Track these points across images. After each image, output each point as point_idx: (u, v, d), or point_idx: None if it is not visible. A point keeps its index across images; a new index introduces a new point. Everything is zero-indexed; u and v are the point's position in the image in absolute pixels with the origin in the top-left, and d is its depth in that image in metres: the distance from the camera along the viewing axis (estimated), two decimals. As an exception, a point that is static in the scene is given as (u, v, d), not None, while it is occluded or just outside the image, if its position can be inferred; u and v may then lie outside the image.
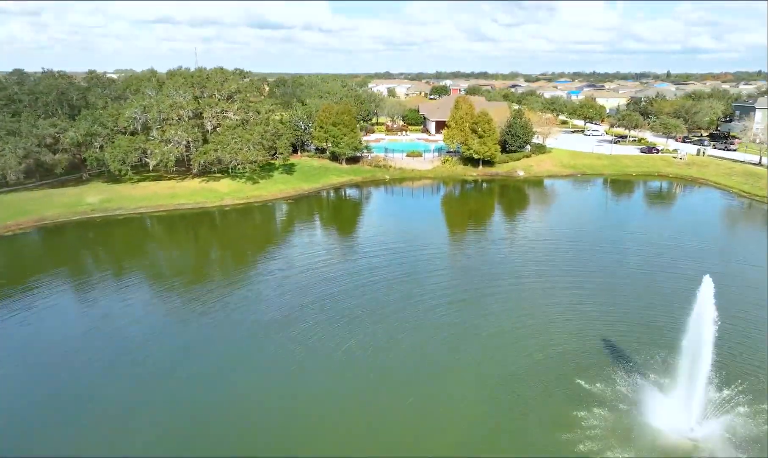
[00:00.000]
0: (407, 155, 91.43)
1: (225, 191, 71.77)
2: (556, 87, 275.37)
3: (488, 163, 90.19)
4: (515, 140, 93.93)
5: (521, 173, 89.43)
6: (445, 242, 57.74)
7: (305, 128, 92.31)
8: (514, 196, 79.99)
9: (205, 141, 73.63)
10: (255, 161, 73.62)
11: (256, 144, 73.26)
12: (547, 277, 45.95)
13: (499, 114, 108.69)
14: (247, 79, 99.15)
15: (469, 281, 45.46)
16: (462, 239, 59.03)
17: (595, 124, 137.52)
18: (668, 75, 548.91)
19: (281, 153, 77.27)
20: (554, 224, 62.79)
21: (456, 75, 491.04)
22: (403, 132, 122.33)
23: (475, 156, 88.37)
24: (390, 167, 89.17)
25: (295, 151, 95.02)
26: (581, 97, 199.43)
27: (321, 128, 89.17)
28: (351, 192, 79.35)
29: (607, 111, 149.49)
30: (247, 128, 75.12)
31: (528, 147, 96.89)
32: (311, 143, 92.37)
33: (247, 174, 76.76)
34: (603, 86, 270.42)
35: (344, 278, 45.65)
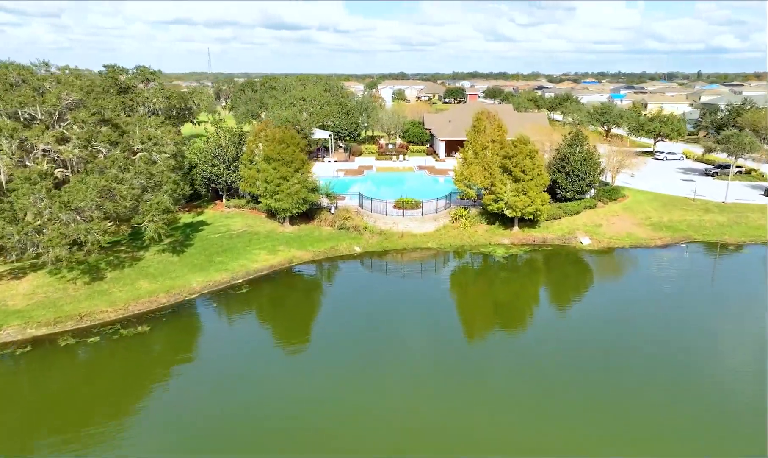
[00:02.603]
0: (395, 206, 54.00)
1: (18, 308, 35.09)
2: (587, 88, 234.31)
3: (528, 221, 52.41)
4: (573, 183, 55.76)
5: (585, 241, 51.27)
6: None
7: (232, 161, 55.24)
8: (579, 290, 42.08)
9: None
10: (82, 243, 36.72)
11: (87, 206, 36.42)
12: None
13: (536, 132, 71.27)
14: (154, 84, 62.68)
15: None
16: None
17: (662, 141, 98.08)
18: (699, 75, 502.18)
19: (152, 220, 39.98)
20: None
21: (474, 75, 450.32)
22: (402, 155, 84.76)
23: (509, 213, 50.57)
24: (365, 228, 51.81)
25: (218, 197, 58.16)
26: (626, 101, 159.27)
27: (250, 162, 52.18)
28: (286, 287, 42.15)
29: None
30: (78, 180, 38.04)
31: (592, 191, 58.68)
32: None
33: (88, 261, 40.05)
34: (642, 88, 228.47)
35: None
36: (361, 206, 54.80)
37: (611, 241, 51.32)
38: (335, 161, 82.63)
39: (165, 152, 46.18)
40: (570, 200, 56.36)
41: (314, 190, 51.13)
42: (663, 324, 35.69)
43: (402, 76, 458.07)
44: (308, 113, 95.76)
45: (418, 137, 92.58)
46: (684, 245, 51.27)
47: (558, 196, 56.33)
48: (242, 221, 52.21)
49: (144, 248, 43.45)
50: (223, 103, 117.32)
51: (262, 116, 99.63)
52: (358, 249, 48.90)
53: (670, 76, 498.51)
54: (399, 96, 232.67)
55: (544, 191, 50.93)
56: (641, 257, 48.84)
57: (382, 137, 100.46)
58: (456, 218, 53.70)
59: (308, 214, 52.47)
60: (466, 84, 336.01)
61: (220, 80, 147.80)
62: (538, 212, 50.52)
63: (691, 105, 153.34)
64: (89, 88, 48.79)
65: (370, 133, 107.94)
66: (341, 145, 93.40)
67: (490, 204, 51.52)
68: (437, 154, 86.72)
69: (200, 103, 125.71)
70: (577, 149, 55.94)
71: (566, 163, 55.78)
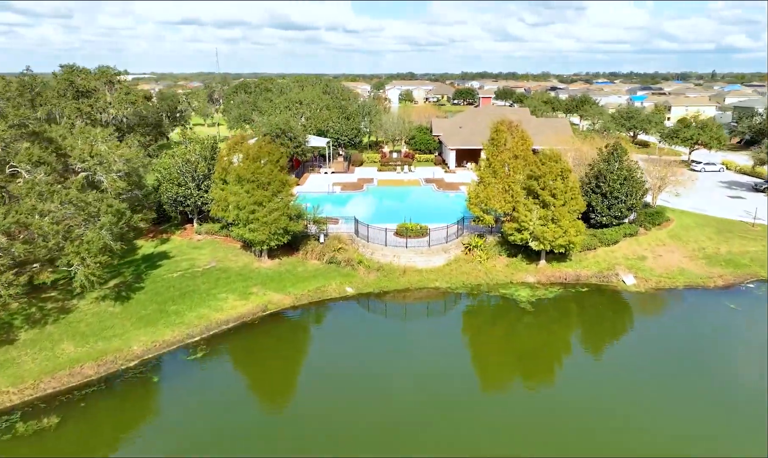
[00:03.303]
0: (397, 233, 44.62)
1: None
2: (602, 89, 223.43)
3: (557, 254, 42.70)
4: (611, 206, 46.02)
5: (629, 280, 41.49)
6: None
7: (203, 180, 46.04)
8: (626, 353, 32.42)
9: None
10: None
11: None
12: None
13: (560, 141, 62.56)
14: (119, 89, 54.01)
15: None
16: None
17: (698, 149, 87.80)
18: (713, 75, 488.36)
19: (83, 264, 30.77)
20: None
21: (483, 76, 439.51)
22: (407, 165, 75.22)
23: (535, 246, 40.95)
24: (360, 262, 42.39)
25: (189, 221, 49.01)
26: (648, 104, 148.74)
27: (223, 182, 42.92)
28: (254, 346, 32.91)
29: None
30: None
31: (632, 215, 48.84)
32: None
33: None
34: (660, 88, 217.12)
35: None
36: (357, 233, 45.40)
37: (660, 280, 41.52)
38: (332, 172, 73.38)
39: (114, 172, 37.07)
40: (606, 226, 46.61)
41: (299, 216, 41.76)
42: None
43: (410, 77, 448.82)
44: (305, 118, 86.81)
45: (425, 145, 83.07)
46: (751, 284, 41.38)
47: (592, 221, 46.58)
48: (212, 253, 42.96)
49: (78, 296, 34.30)
50: (218, 106, 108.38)
51: (256, 119, 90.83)
52: (350, 290, 39.53)
53: (683, 76, 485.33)
54: (406, 97, 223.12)
55: (578, 219, 41.29)
56: (701, 302, 38.99)
57: (387, 143, 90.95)
58: (470, 249, 44.16)
59: (292, 244, 43.13)
60: (475, 84, 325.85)
61: (215, 80, 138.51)
62: (571, 245, 40.88)
63: (718, 108, 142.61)
64: (18, 92, 39.70)
65: (373, 138, 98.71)
66: (341, 153, 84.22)
67: (511, 234, 41.91)
68: (446, 164, 77.13)
69: (197, 106, 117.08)
70: (616, 165, 46.19)
71: (602, 182, 46.02)
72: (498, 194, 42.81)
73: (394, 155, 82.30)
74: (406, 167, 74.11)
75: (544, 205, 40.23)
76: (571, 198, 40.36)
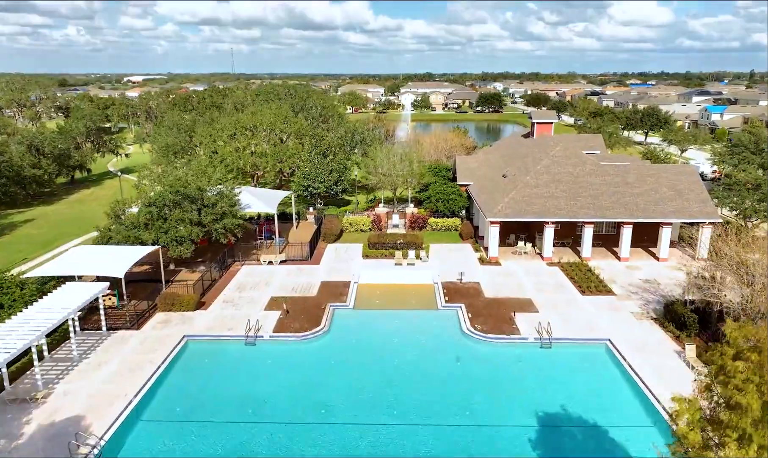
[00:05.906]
0: None
1: None
2: (647, 93, 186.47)
3: None
4: None
5: None
6: None
7: None
8: None
9: None
10: None
11: None
12: None
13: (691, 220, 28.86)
14: None
15: None
16: None
17: None
18: (751, 75, 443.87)
19: None
20: None
21: (505, 76, 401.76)
22: (413, 251, 41.98)
23: None
24: None
25: None
26: (729, 116, 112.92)
27: None
28: None
29: None
30: None
31: None
32: None
33: None
34: (721, 94, 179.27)
35: None
36: None
37: None
38: (282, 261, 40.60)
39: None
40: None
41: None
42: None
43: (428, 77, 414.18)
44: (257, 155, 54.88)
45: (446, 203, 49.46)
46: None
47: None
48: None
49: None
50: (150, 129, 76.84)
51: (200, 150, 58.63)
52: None
53: (718, 76, 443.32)
54: (422, 103, 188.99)
55: None
56: None
57: (383, 189, 57.56)
58: None
59: None
60: (498, 86, 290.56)
61: (154, 91, 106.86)
62: None
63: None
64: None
65: (365, 179, 65.74)
66: (313, 210, 51.81)
67: None
68: (480, 241, 43.95)
69: (138, 123, 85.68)
70: None
71: None
72: None
73: (394, 216, 49.20)
74: (411, 253, 40.87)
75: None
76: None
